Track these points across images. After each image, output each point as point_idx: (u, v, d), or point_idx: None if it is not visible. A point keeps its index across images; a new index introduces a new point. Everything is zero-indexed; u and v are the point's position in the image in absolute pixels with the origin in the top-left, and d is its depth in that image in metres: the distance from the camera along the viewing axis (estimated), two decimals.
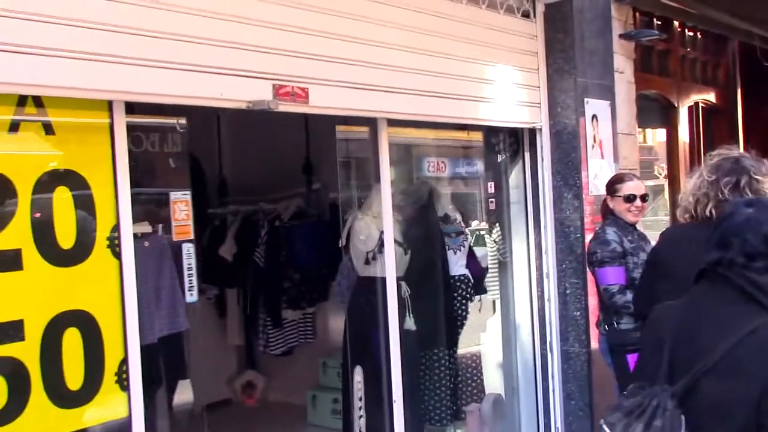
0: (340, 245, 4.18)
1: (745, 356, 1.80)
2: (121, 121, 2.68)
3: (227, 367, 5.85)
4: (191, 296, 3.24)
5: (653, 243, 3.56)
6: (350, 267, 4.27)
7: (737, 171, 2.79)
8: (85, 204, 2.63)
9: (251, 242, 5.45)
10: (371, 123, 3.72)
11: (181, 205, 3.06)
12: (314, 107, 3.27)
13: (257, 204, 5.45)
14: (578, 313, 4.55)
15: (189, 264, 3.15)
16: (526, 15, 4.48)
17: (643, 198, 3.98)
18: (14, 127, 2.47)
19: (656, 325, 2.07)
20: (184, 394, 3.65)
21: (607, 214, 4.04)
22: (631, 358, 3.49)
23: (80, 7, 2.47)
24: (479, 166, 5.04)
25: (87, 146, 2.66)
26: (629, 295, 3.63)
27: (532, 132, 4.57)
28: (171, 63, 2.74)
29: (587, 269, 4.16)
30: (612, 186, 4.03)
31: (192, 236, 3.15)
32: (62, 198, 2.59)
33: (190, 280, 3.14)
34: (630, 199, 3.92)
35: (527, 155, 4.61)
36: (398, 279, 3.90)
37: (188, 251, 3.13)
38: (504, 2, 4.31)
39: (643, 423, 1.83)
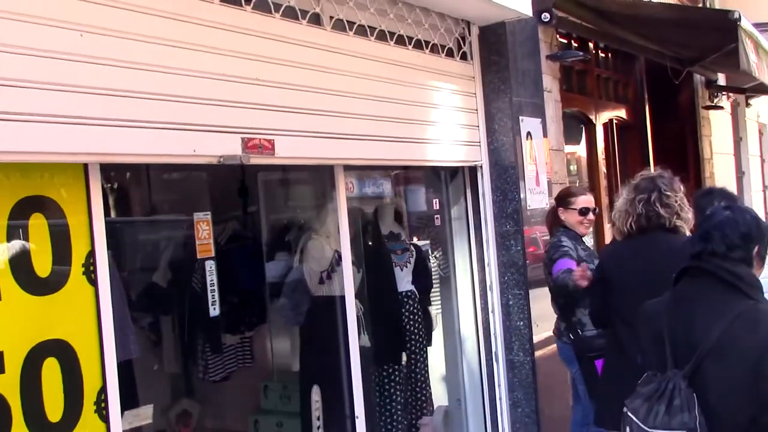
0: (294, 265, 4.20)
1: (737, 337, 2.13)
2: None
3: (162, 397, 5.73)
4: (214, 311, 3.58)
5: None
6: (301, 288, 4.30)
7: (649, 188, 3.23)
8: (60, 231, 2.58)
9: (187, 267, 5.37)
10: (329, 169, 3.81)
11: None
12: (279, 158, 3.32)
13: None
14: (521, 323, 4.72)
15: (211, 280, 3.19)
16: (464, 57, 4.66)
17: (594, 211, 4.21)
18: None
19: (652, 320, 2.30)
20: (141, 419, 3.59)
21: (555, 225, 4.21)
22: (599, 364, 3.64)
23: (49, 70, 2.43)
24: (422, 185, 5.17)
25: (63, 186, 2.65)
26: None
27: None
28: (144, 122, 2.74)
29: (544, 276, 4.30)
30: (565, 199, 4.21)
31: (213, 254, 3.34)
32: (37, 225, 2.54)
33: (213, 295, 3.17)
34: (583, 212, 4.13)
35: (467, 180, 4.76)
36: None
37: (210, 268, 3.34)
38: (444, 46, 4.48)
39: (664, 404, 2.13)
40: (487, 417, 4.84)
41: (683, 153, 8.20)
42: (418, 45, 4.25)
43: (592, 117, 6.53)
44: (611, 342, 3.38)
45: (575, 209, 4.13)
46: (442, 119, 4.37)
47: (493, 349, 4.78)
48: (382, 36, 3.99)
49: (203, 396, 5.66)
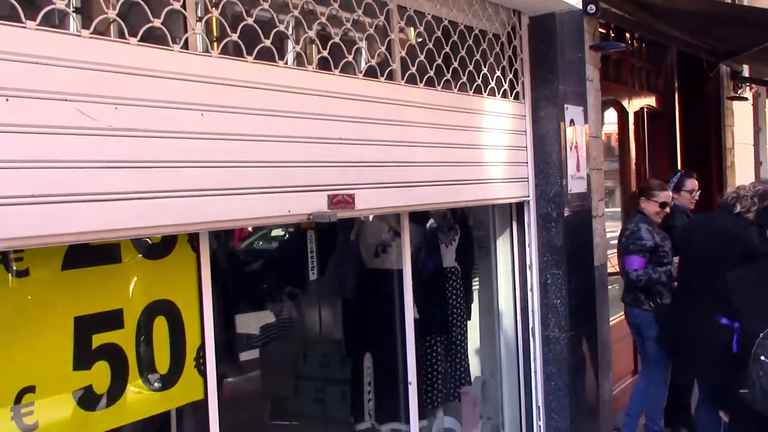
0: (351, 238, 4.44)
1: None
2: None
3: None
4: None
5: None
6: (356, 260, 4.54)
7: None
8: None
9: None
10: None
11: None
12: (358, 211, 3.52)
13: None
14: (558, 301, 4.96)
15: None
16: (516, 97, 4.88)
17: (669, 206, 5.12)
18: None
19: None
20: None
21: (632, 210, 5.10)
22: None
23: (173, 149, 2.64)
24: None
25: None
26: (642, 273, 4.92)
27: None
28: (248, 189, 2.94)
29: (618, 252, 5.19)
30: (650, 191, 5.12)
31: None
32: None
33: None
34: (663, 205, 5.06)
35: None
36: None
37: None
38: (500, 89, 4.71)
39: None
40: (522, 389, 5.10)
41: (707, 142, 8.40)
42: (478, 90, 4.48)
43: (626, 105, 6.73)
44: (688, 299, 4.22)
45: (657, 201, 5.06)
46: (495, 159, 4.59)
47: (530, 325, 5.03)
48: (447, 84, 4.23)
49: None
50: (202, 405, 2.94)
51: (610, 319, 5.79)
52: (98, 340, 2.59)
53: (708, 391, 4.55)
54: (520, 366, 5.10)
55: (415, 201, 3.92)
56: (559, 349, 4.99)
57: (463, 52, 4.36)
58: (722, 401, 3.65)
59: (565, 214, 4.92)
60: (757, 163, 10.63)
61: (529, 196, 4.93)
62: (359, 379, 4.44)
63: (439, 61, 4.16)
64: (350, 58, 3.54)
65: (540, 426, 5.03)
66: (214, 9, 2.90)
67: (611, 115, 6.72)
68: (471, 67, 4.44)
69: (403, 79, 3.90)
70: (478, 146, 4.42)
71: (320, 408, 4.74)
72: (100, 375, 2.59)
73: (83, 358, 2.54)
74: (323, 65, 3.40)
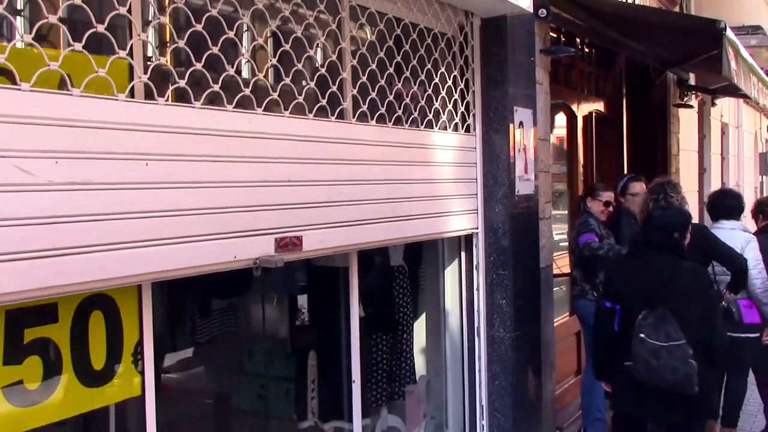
0: None
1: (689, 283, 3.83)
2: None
3: None
4: None
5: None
6: None
7: (658, 191, 4.91)
8: None
9: None
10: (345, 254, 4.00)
11: None
12: (306, 252, 3.48)
13: None
14: (504, 301, 5.01)
15: None
16: (467, 130, 4.92)
17: (612, 205, 5.64)
18: None
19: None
20: None
21: (581, 210, 5.66)
22: None
23: (102, 201, 2.56)
24: None
25: None
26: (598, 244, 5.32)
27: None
28: (190, 237, 2.88)
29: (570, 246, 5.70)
30: (595, 191, 5.66)
31: None
32: None
33: None
34: (607, 204, 5.60)
35: None
36: None
37: None
38: (452, 121, 4.75)
39: (664, 328, 3.63)
40: (466, 388, 5.13)
41: (653, 147, 8.59)
42: (429, 124, 4.52)
43: (575, 109, 6.83)
44: None
45: (601, 200, 5.58)
46: (445, 193, 4.62)
47: (476, 325, 5.06)
48: (398, 120, 4.24)
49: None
50: (139, 402, 2.88)
51: (555, 320, 5.87)
52: (30, 334, 2.51)
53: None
54: (465, 365, 5.13)
55: (366, 239, 3.92)
56: (504, 349, 5.03)
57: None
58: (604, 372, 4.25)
59: (512, 215, 4.96)
60: (701, 170, 10.90)
61: (477, 228, 4.97)
62: (303, 376, 4.41)
63: (390, 97, 4.17)
64: (300, 99, 3.51)
65: (483, 425, 5.07)
66: (162, 57, 2.84)
67: (561, 119, 6.81)
68: (422, 102, 4.47)
69: (354, 117, 3.89)
70: (429, 180, 4.44)
71: (263, 405, 4.70)
72: (31, 370, 2.52)
73: (14, 353, 2.47)
74: (272, 107, 3.36)
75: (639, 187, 5.80)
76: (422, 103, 4.48)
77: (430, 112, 4.52)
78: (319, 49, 3.70)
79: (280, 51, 3.42)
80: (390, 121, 4.17)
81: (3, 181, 2.26)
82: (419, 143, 4.38)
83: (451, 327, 5.15)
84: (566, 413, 6.06)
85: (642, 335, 3.63)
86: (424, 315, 5.29)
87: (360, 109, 3.92)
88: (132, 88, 2.73)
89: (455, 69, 4.80)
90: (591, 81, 7.30)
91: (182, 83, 2.91)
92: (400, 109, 4.26)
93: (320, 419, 4.34)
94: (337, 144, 3.71)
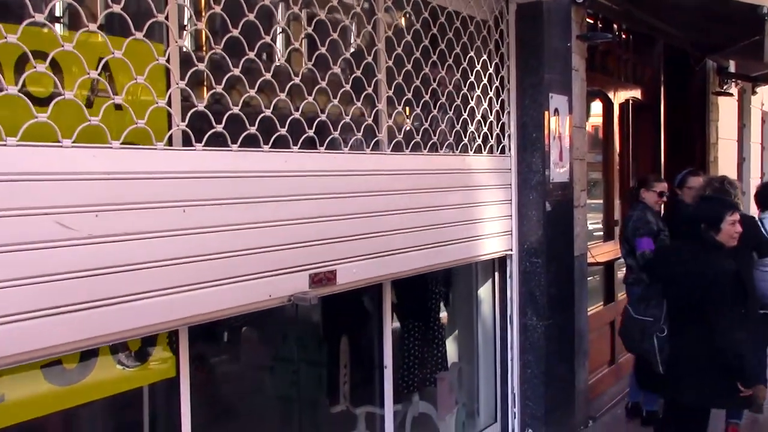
0: None
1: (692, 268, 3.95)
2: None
3: None
4: None
5: None
6: None
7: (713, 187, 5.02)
8: None
9: None
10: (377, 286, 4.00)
11: None
12: (339, 286, 3.50)
13: None
14: (537, 289, 4.98)
15: None
16: (502, 152, 4.91)
17: (666, 195, 5.65)
18: None
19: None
20: None
21: (635, 201, 5.65)
22: None
23: (140, 250, 2.60)
24: None
25: None
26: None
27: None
28: (225, 279, 2.92)
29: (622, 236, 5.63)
30: (649, 182, 5.64)
31: None
32: None
33: None
34: (661, 195, 5.60)
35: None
36: None
37: None
38: (486, 144, 4.74)
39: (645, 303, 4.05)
40: (498, 376, 5.12)
41: (691, 136, 8.44)
42: (464, 149, 4.52)
43: (611, 96, 6.73)
44: None
45: (655, 191, 5.57)
46: (479, 216, 4.61)
47: (508, 313, 5.05)
48: (433, 147, 4.25)
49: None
50: (173, 384, 2.92)
51: (589, 309, 5.82)
52: None
53: None
54: (497, 353, 5.12)
55: (399, 269, 3.92)
56: (537, 338, 5.01)
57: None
58: None
59: (547, 202, 4.92)
60: (740, 159, 10.70)
61: (512, 250, 4.96)
62: (335, 361, 4.43)
63: (426, 125, 4.18)
64: (336, 134, 3.51)
65: (515, 413, 5.06)
66: (199, 103, 2.86)
67: (596, 107, 6.72)
68: (457, 124, 4.46)
69: (389, 147, 3.89)
70: (463, 205, 4.44)
71: (295, 389, 4.73)
72: None
73: None
74: (309, 145, 3.37)
75: (696, 181, 5.77)
76: (457, 126, 4.46)
77: (465, 132, 4.53)
78: (353, 81, 3.67)
79: (316, 88, 3.42)
80: (425, 148, 4.17)
81: (44, 238, 2.31)
82: (454, 168, 4.37)
83: (484, 315, 5.14)
84: (600, 402, 6.01)
85: (627, 305, 4.22)
86: (456, 302, 5.28)
87: (395, 139, 3.93)
88: (170, 137, 2.76)
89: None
90: (628, 68, 7.19)
91: (219, 127, 2.92)
92: (435, 135, 4.26)
93: (352, 404, 4.35)
94: (372, 176, 3.72)
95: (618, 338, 6.43)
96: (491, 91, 4.78)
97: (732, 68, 9.07)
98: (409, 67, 4.01)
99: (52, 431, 2.84)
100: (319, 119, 3.43)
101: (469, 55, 4.53)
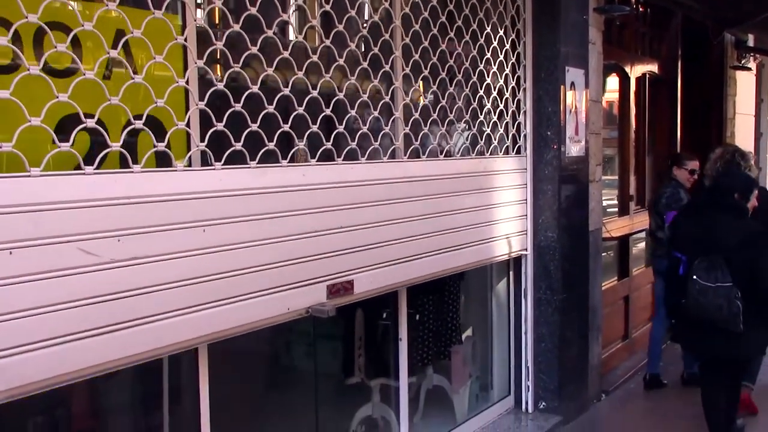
0: None
1: (744, 238, 4.21)
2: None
3: None
4: None
5: None
6: None
7: (728, 159, 5.03)
8: None
9: None
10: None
11: None
12: (356, 295, 3.52)
13: None
14: (552, 263, 4.98)
15: None
16: (518, 152, 4.90)
17: (697, 173, 5.73)
18: None
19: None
20: None
21: (667, 178, 5.86)
22: None
23: (161, 271, 2.63)
24: None
25: None
26: None
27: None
28: (245, 295, 2.94)
29: (653, 210, 5.82)
30: (681, 160, 5.83)
31: None
32: None
33: None
34: (693, 172, 5.73)
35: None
36: None
37: None
38: (503, 145, 4.75)
39: (714, 272, 4.10)
40: (512, 349, 5.15)
41: (708, 111, 8.37)
42: (480, 152, 4.53)
43: (628, 70, 6.67)
44: None
45: (687, 169, 5.73)
46: (495, 218, 4.62)
47: (523, 287, 5.06)
48: (449, 153, 4.26)
49: None
50: (191, 355, 2.95)
51: (603, 284, 5.82)
52: None
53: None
54: (511, 327, 5.14)
55: (415, 275, 3.94)
56: (551, 312, 5.02)
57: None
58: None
59: (562, 176, 4.91)
60: (758, 134, 10.59)
61: (527, 250, 4.97)
62: (351, 334, 4.46)
63: (443, 129, 4.19)
64: (353, 144, 3.52)
65: (528, 386, 5.09)
66: (217, 122, 2.86)
67: (612, 83, 6.66)
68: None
69: (405, 155, 3.89)
70: (479, 208, 4.45)
71: (311, 362, 4.77)
72: None
73: None
74: (326, 156, 3.37)
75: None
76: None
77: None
78: (370, 91, 3.67)
79: (334, 100, 3.42)
80: (441, 154, 4.18)
81: (68, 265, 2.34)
82: (470, 172, 4.37)
83: (498, 289, 5.15)
84: (613, 377, 6.03)
85: (695, 277, 4.16)
86: (470, 276, 5.29)
87: (412, 146, 3.93)
88: (190, 158, 2.78)
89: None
90: (645, 41, 7.12)
91: (238, 146, 2.92)
92: (451, 139, 4.27)
93: (367, 376, 4.39)
94: (388, 184, 3.72)
95: (633, 312, 6.50)
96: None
97: (751, 42, 8.96)
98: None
99: None
100: (336, 131, 3.44)
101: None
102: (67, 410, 2.95)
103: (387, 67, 3.76)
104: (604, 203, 6.24)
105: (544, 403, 5.08)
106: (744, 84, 9.34)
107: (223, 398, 3.09)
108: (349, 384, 4.37)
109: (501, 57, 4.70)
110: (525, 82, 4.91)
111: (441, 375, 4.82)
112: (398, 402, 4.18)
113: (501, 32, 4.68)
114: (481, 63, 4.52)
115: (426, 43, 4.01)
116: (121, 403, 3.25)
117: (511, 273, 5.08)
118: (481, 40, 4.49)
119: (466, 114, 4.42)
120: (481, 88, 4.52)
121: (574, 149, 5.05)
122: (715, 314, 4.09)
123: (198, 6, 2.91)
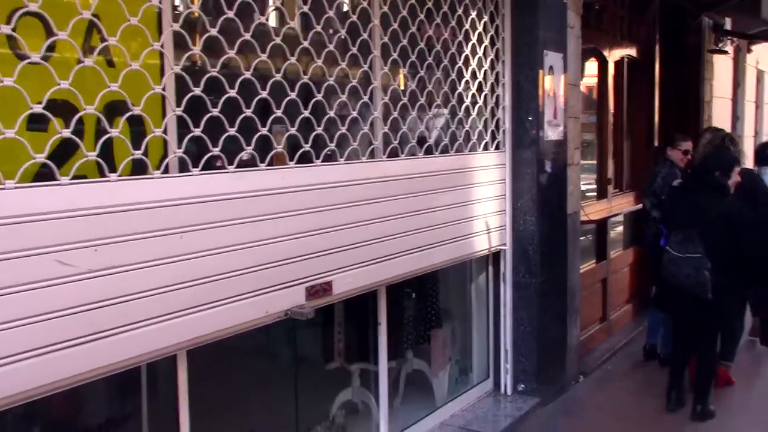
0: None
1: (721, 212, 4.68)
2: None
3: None
4: None
5: None
6: None
7: (717, 144, 5.51)
8: None
9: None
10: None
11: None
12: (336, 296, 3.52)
13: None
14: (530, 247, 5.01)
15: None
16: (497, 147, 4.91)
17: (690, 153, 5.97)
18: None
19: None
20: None
21: (660, 159, 6.10)
22: None
23: (138, 280, 2.60)
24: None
25: None
26: None
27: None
28: (223, 300, 2.92)
29: (649, 187, 6.02)
30: (675, 141, 6.05)
31: None
32: None
33: None
34: (686, 152, 5.96)
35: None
36: None
37: None
38: (482, 141, 4.76)
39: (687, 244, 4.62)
40: (491, 332, 5.18)
41: (686, 94, 8.42)
42: (459, 148, 4.53)
43: (606, 54, 6.69)
44: None
45: (680, 149, 5.97)
46: (473, 214, 4.64)
47: (501, 270, 5.08)
48: (429, 149, 4.25)
49: None
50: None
51: (581, 267, 5.86)
52: None
53: None
54: (490, 310, 5.17)
55: (395, 273, 3.96)
56: (529, 295, 5.06)
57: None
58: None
59: (540, 161, 4.93)
60: (734, 118, 10.69)
61: (506, 245, 5.01)
62: (330, 319, 4.46)
63: (422, 127, 4.20)
64: (332, 146, 3.50)
65: (507, 368, 5.13)
66: (196, 128, 2.83)
67: (591, 68, 6.68)
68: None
69: (384, 154, 3.87)
70: (458, 205, 4.46)
71: (291, 347, 4.78)
72: None
73: None
74: (305, 158, 3.35)
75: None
76: (457, 123, 4.48)
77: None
78: (348, 91, 3.65)
79: (312, 101, 3.39)
80: (421, 151, 4.18)
81: (44, 277, 2.31)
82: (448, 169, 4.39)
83: (477, 272, 5.17)
84: (591, 359, 6.09)
85: (667, 248, 4.72)
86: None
87: (391, 145, 3.92)
88: (167, 165, 2.75)
89: (487, 32, 4.73)
90: (624, 25, 7.13)
91: (216, 150, 2.89)
92: (431, 138, 4.27)
93: (346, 361, 4.40)
94: (367, 184, 3.71)
95: (611, 295, 6.56)
96: (487, 60, 4.75)
97: (728, 26, 9.00)
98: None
99: None
100: (315, 132, 3.42)
101: (471, 16, 4.49)
102: (45, 418, 2.92)
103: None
104: (583, 187, 6.27)
105: (522, 386, 5.13)
106: (721, 68, 9.41)
107: (202, 385, 3.09)
108: (329, 369, 4.37)
109: (484, 44, 4.69)
110: (504, 68, 4.91)
111: (420, 359, 4.84)
112: (378, 386, 4.20)
113: (486, 18, 4.68)
114: (462, 52, 4.51)
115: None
116: (100, 408, 3.23)
117: (490, 258, 5.10)
118: (467, 26, 4.49)
119: (445, 108, 4.42)
120: (460, 83, 4.52)
121: (552, 133, 5.06)
122: (685, 282, 4.64)
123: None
